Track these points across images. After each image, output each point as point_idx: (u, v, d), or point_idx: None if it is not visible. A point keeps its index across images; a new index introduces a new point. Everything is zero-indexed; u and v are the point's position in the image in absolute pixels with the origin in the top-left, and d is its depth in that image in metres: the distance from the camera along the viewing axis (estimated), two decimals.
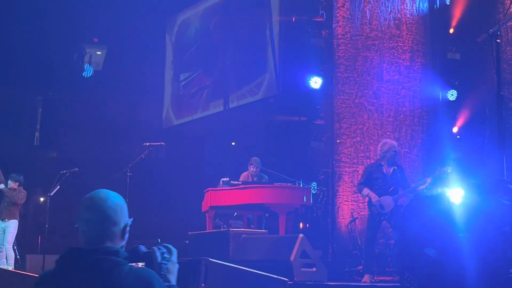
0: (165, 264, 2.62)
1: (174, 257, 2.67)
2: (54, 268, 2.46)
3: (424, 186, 7.58)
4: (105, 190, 2.61)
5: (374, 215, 7.70)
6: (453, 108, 11.12)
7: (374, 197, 7.75)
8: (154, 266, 2.58)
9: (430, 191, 7.69)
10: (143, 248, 2.63)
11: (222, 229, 8.81)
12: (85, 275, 2.40)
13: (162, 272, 2.59)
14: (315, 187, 12.94)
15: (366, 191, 7.85)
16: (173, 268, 2.64)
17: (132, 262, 2.54)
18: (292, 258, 6.30)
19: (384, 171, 7.95)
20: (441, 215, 2.35)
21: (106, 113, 13.99)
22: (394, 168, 7.97)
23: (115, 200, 2.58)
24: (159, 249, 2.63)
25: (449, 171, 7.53)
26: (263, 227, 9.77)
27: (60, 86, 14.65)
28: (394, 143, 8.25)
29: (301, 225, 11.94)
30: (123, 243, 2.57)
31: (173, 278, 2.62)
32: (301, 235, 6.68)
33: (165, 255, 2.63)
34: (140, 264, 2.60)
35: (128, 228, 2.55)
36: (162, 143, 9.98)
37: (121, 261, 2.43)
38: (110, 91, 14.78)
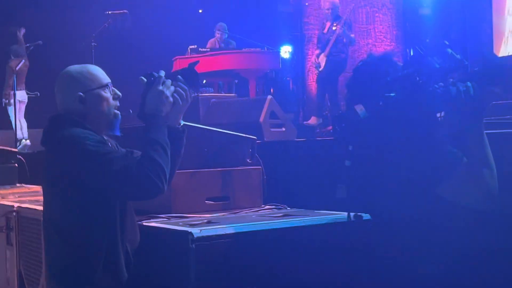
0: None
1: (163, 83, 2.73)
2: None
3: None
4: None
5: None
6: None
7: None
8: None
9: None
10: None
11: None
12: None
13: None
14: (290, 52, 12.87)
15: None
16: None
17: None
18: (261, 119, 6.32)
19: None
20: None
21: None
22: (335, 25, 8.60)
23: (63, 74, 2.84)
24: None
25: None
26: (233, 93, 9.77)
27: None
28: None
29: (271, 90, 11.96)
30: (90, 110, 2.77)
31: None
32: (269, 97, 6.68)
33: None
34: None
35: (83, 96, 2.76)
36: (125, 10, 9.72)
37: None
38: None
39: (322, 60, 8.77)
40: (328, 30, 8.75)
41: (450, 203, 2.13)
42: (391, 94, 2.20)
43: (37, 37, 10.72)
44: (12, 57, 10.30)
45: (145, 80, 2.73)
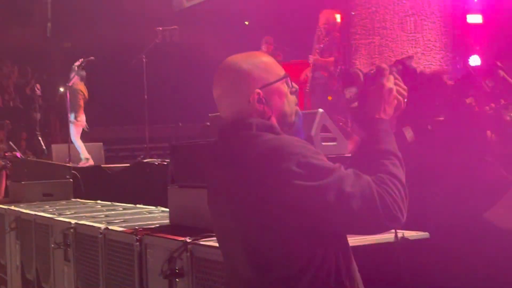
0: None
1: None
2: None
3: None
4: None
5: None
6: None
7: None
8: None
9: None
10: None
11: None
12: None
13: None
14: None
15: None
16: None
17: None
18: (312, 133, 6.32)
19: None
20: None
21: None
22: None
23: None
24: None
25: None
26: None
27: None
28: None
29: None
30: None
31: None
32: (320, 110, 6.67)
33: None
34: None
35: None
36: (175, 26, 9.87)
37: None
38: None
39: None
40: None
41: (498, 229, 2.12)
42: (440, 118, 2.19)
43: (89, 52, 10.95)
44: (80, 81, 10.41)
45: (360, 73, 2.23)
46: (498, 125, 2.08)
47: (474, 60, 9.76)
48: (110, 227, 3.97)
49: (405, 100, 2.14)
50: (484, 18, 10.48)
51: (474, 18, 10.59)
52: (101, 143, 10.73)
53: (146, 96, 9.40)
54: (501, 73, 2.06)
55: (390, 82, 2.13)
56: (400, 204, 1.89)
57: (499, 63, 2.09)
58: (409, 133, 2.13)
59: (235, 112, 2.16)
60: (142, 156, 9.41)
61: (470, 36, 10.53)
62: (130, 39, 11.26)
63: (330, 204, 1.87)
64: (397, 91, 2.13)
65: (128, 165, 8.44)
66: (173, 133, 11.15)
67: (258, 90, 2.12)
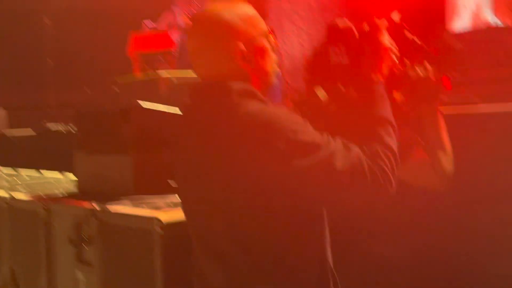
0: None
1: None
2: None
3: None
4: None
5: None
6: None
7: None
8: None
9: None
10: None
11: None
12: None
13: None
14: None
15: None
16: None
17: None
18: None
19: None
20: None
21: None
22: None
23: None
24: None
25: None
26: None
27: None
28: None
29: None
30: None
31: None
32: None
33: None
34: None
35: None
36: None
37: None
38: None
39: None
40: None
41: (408, 186, 2.18)
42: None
43: None
44: None
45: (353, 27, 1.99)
46: (403, 85, 2.10)
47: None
48: (14, 196, 3.86)
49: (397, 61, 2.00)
50: None
51: None
52: (4, 109, 10.37)
53: (50, 60, 9.13)
54: (407, 32, 2.07)
55: (387, 40, 1.96)
56: (391, 178, 1.78)
57: (404, 23, 2.10)
58: (320, 93, 2.04)
59: (213, 71, 1.92)
60: (47, 123, 9.14)
61: None
62: None
63: (321, 182, 1.75)
64: (392, 50, 1.98)
65: (33, 132, 8.20)
66: (79, 99, 10.88)
67: (242, 46, 1.89)
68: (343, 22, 2.00)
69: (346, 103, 1.97)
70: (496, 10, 5.41)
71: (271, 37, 1.99)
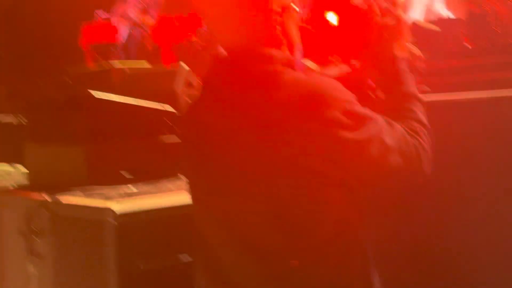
0: None
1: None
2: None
3: None
4: None
5: None
6: None
7: None
8: None
9: None
10: None
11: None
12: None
13: None
14: None
15: None
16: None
17: None
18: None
19: None
20: None
21: None
22: None
23: None
24: None
25: None
26: None
27: None
28: None
29: None
30: None
31: None
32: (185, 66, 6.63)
33: None
34: None
35: None
36: None
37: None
38: None
39: None
40: None
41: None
42: None
43: None
44: None
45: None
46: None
47: None
48: None
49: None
50: None
51: None
52: None
53: None
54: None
55: (403, 14, 1.84)
56: (430, 155, 1.69)
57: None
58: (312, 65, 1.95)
59: (243, 38, 1.66)
60: None
61: None
62: None
63: (374, 158, 1.60)
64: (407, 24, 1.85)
65: None
66: (30, 89, 10.69)
67: (280, 11, 1.66)
68: (363, 2, 1.86)
69: (375, 82, 1.87)
70: (448, 3, 5.51)
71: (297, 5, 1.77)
